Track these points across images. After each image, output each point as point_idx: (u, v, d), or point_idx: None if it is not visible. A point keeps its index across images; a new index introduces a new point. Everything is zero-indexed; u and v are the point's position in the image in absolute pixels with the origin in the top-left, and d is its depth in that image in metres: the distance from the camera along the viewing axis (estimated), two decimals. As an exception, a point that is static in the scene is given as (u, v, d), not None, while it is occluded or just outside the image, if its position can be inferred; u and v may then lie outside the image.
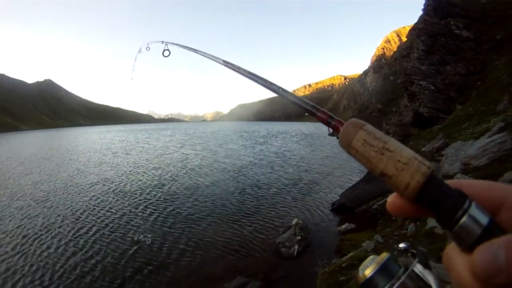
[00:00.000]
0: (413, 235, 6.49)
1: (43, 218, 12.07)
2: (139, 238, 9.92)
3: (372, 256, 0.47)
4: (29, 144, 53.37)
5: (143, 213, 12.39)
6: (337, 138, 0.49)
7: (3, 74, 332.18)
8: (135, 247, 9.27)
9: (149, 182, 18.02)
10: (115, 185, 17.28)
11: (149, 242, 9.62)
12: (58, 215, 12.37)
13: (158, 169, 22.67)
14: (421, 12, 31.67)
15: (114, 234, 10.33)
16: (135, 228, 10.74)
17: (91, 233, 10.46)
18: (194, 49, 1.66)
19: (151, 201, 14.04)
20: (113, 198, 14.61)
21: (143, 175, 20.18)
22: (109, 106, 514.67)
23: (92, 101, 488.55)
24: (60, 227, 11.10)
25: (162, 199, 14.22)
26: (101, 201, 14.26)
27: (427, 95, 24.01)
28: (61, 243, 9.72)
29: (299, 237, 8.96)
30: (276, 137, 55.58)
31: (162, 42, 2.23)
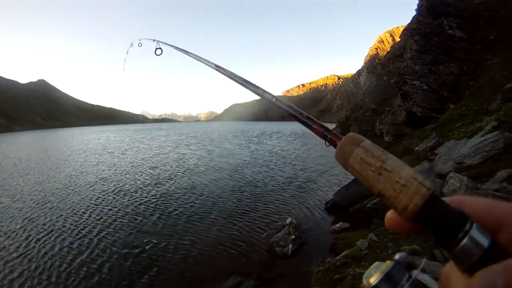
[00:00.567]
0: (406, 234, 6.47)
1: (44, 220, 11.97)
2: (133, 238, 9.87)
3: (376, 264, 0.46)
4: (24, 145, 52.54)
5: (137, 213, 12.32)
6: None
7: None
8: (129, 247, 9.21)
9: (145, 182, 17.98)
10: (113, 185, 17.27)
11: (143, 242, 9.57)
12: (59, 216, 12.28)
13: (155, 168, 22.68)
14: (414, 13, 31.90)
15: (115, 233, 10.32)
16: (129, 229, 10.67)
17: (84, 232, 10.43)
18: (186, 51, 1.62)
19: (145, 201, 13.99)
20: (113, 198, 14.64)
21: (140, 175, 20.15)
22: (103, 107, 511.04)
23: (86, 101, 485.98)
24: (62, 228, 11.03)
25: (156, 199, 14.16)
26: (100, 201, 14.27)
27: (420, 95, 24.14)
28: (64, 244, 9.67)
29: (293, 236, 8.94)
30: (271, 137, 55.53)
31: (154, 40, 2.25)
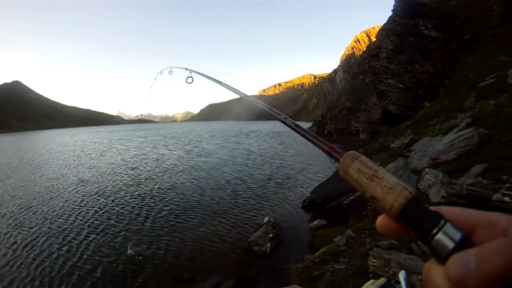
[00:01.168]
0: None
1: (29, 224, 11.42)
2: (117, 240, 9.62)
3: (371, 281, 0.51)
4: (0, 149, 50.34)
5: (118, 214, 12.07)
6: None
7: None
8: (113, 249, 9.00)
9: (126, 182, 17.73)
10: (96, 187, 16.92)
11: (120, 243, 9.33)
12: (45, 220, 11.75)
13: (134, 169, 22.39)
14: (390, 13, 32.46)
15: (100, 235, 10.05)
16: (114, 231, 10.37)
17: (71, 236, 10.09)
18: (217, 81, 1.70)
19: (125, 201, 13.77)
20: (96, 200, 14.37)
21: (121, 176, 19.87)
22: (79, 108, 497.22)
23: (61, 102, 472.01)
24: (48, 232, 10.56)
25: (134, 199, 14.01)
26: (85, 203, 13.90)
27: (395, 93, 24.62)
28: (52, 249, 9.25)
29: (271, 235, 8.84)
30: (248, 136, 55.52)
31: (186, 69, 2.36)
